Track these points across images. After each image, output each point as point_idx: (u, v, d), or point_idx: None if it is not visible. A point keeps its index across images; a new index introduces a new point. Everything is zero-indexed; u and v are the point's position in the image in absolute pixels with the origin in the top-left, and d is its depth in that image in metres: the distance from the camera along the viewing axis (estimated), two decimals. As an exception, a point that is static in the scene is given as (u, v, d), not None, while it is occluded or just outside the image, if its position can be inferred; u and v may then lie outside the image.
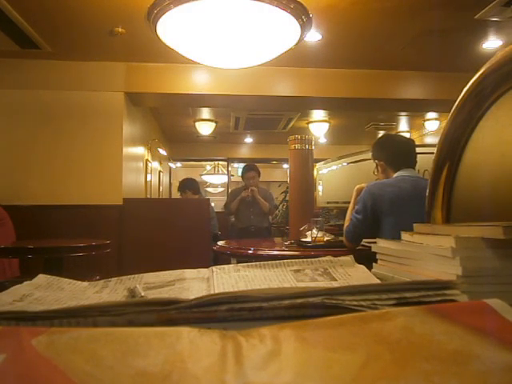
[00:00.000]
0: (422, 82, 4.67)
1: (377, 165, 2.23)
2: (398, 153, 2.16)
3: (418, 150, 2.23)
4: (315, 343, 0.31)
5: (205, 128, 6.73)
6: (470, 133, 0.78)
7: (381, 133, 7.34)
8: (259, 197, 4.59)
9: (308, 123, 6.85)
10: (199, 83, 4.36)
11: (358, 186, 2.27)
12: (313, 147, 3.01)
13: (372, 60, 4.23)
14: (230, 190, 9.73)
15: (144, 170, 5.63)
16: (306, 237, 2.46)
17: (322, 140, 8.12)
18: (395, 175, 2.11)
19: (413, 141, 2.36)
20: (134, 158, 4.94)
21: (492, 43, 3.82)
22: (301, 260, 0.60)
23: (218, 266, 0.61)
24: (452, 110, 0.79)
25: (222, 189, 11.19)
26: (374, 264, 0.68)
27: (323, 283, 0.52)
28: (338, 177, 3.48)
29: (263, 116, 6.49)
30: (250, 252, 2.43)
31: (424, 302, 0.37)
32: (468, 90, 0.77)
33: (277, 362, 0.28)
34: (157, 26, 2.45)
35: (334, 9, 3.13)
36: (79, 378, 0.27)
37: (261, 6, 2.23)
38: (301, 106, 5.34)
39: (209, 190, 11.76)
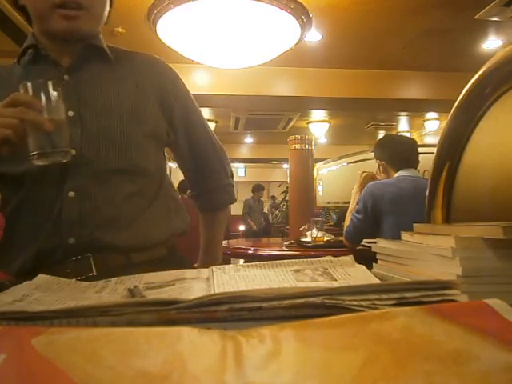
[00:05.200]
0: (422, 82, 4.67)
1: (379, 165, 2.23)
2: (399, 153, 2.17)
3: (418, 149, 2.24)
4: (315, 343, 0.31)
5: (205, 128, 6.70)
6: (470, 133, 0.78)
7: (381, 133, 7.35)
8: None
9: (308, 123, 6.85)
10: (199, 83, 4.36)
11: (364, 174, 2.26)
12: (313, 147, 3.01)
13: (372, 60, 4.23)
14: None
15: (144, 169, 5.59)
16: (306, 237, 2.46)
17: (322, 140, 8.12)
18: (396, 175, 2.11)
19: (414, 141, 2.36)
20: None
21: (492, 43, 3.82)
22: (301, 260, 0.60)
23: (218, 266, 0.60)
24: (452, 110, 0.79)
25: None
26: (374, 264, 0.68)
27: (323, 283, 0.52)
28: (338, 177, 3.48)
29: (263, 116, 6.49)
30: (250, 252, 2.43)
31: (424, 302, 0.37)
32: (468, 89, 0.77)
33: (277, 362, 0.28)
34: (157, 26, 2.45)
35: (334, 9, 3.13)
36: (79, 377, 0.27)
37: (261, 6, 2.23)
38: (301, 106, 5.34)
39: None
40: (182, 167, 1.07)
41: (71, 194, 0.82)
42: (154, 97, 0.92)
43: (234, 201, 1.11)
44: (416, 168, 2.17)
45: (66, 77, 0.87)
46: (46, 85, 0.70)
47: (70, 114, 0.83)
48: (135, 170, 0.87)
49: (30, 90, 0.69)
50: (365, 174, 2.27)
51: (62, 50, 0.88)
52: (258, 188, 8.16)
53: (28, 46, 0.88)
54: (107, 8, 0.91)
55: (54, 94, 0.70)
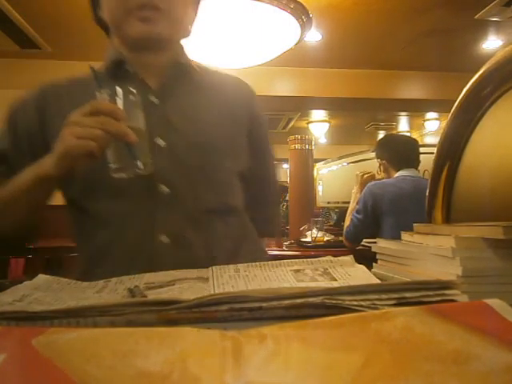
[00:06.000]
0: (422, 82, 4.67)
1: (379, 164, 2.23)
2: (400, 152, 2.17)
3: (419, 149, 2.24)
4: (315, 343, 0.31)
5: (205, 128, 6.70)
6: (470, 133, 0.78)
7: (381, 133, 7.35)
8: None
9: (308, 123, 6.84)
10: (199, 83, 4.36)
11: (365, 175, 2.26)
12: (313, 147, 3.01)
13: (372, 60, 4.23)
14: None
15: (144, 169, 5.59)
16: (306, 237, 2.46)
17: (322, 140, 8.12)
18: (396, 175, 2.11)
19: (416, 141, 2.37)
20: (134, 157, 4.93)
21: (492, 43, 3.82)
22: (301, 260, 0.60)
23: (218, 266, 0.60)
24: (452, 110, 0.79)
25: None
26: (374, 264, 0.68)
27: (323, 283, 0.52)
28: (337, 177, 3.48)
29: (263, 116, 6.47)
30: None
31: (424, 301, 0.37)
32: (468, 89, 0.77)
33: (277, 362, 0.28)
34: (157, 26, 2.45)
35: (334, 9, 3.13)
36: (79, 377, 0.27)
37: (261, 6, 2.23)
38: (301, 105, 5.34)
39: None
40: None
41: (164, 238, 0.73)
42: (245, 130, 0.85)
43: (274, 235, 0.98)
44: (417, 168, 2.17)
45: (154, 99, 0.79)
46: (126, 92, 0.65)
47: (161, 143, 0.75)
48: (227, 210, 0.80)
49: (108, 98, 0.64)
50: (366, 175, 2.27)
51: (146, 66, 0.81)
52: (281, 189, 7.44)
53: (113, 61, 0.82)
54: (190, 15, 0.84)
55: (132, 101, 0.65)
